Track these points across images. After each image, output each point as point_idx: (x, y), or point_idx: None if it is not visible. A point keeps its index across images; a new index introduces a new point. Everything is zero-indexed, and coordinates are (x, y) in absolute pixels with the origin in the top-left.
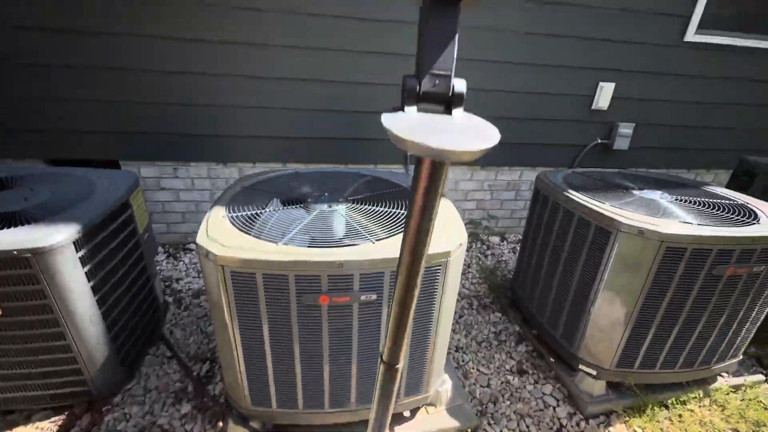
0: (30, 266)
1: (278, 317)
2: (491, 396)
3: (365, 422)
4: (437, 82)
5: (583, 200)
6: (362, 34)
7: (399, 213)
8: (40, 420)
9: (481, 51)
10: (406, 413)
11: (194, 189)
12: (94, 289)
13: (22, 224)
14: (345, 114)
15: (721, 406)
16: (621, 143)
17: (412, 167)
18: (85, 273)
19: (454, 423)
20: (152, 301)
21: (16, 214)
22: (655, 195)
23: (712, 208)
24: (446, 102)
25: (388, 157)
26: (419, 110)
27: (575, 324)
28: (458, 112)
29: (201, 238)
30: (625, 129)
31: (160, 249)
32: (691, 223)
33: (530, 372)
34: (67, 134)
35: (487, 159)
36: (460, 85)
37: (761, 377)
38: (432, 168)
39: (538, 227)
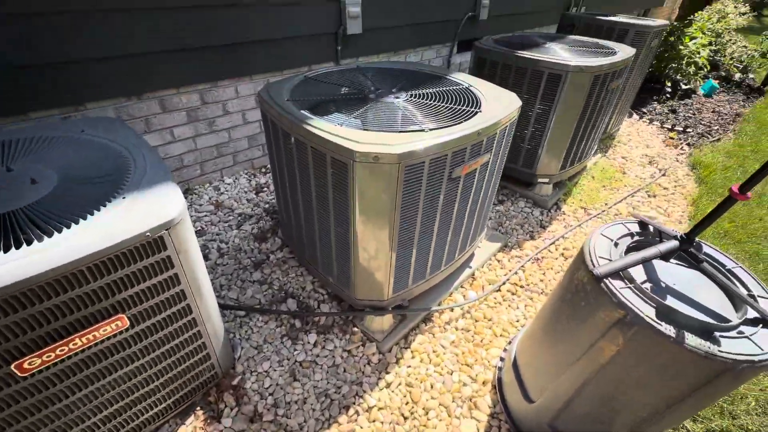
0: (165, 247)
1: (431, 197)
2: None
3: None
4: None
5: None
6: None
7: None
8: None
9: None
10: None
11: None
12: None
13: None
14: None
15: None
16: (483, 14)
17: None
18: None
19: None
20: None
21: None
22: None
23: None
24: None
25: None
26: None
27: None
28: None
29: (355, 146)
30: (486, 1)
31: None
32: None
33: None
34: None
35: (397, 44)
36: None
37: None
38: None
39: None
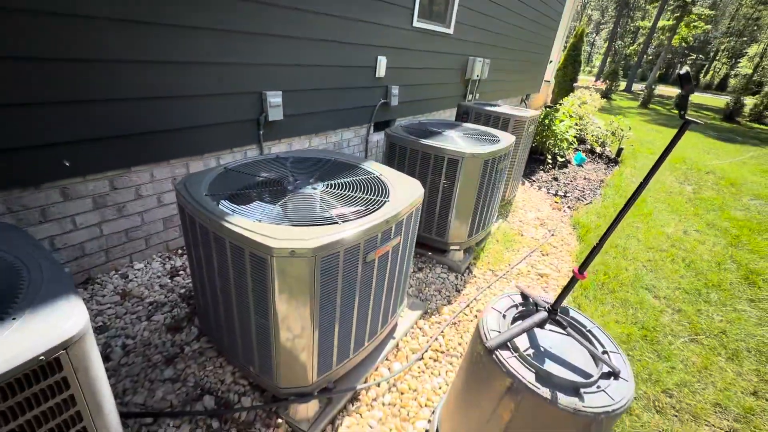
0: (60, 368)
1: (348, 281)
2: None
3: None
4: None
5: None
6: None
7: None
8: None
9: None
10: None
11: None
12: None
13: None
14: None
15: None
16: (394, 101)
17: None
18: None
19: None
20: None
21: None
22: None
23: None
24: None
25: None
26: None
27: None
28: None
29: (272, 243)
30: (395, 90)
31: None
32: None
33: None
34: None
35: (318, 127)
36: None
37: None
38: None
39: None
